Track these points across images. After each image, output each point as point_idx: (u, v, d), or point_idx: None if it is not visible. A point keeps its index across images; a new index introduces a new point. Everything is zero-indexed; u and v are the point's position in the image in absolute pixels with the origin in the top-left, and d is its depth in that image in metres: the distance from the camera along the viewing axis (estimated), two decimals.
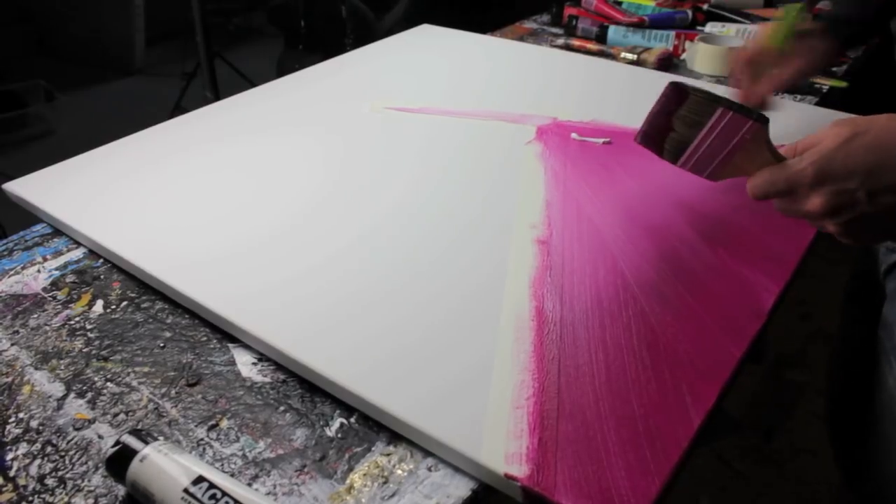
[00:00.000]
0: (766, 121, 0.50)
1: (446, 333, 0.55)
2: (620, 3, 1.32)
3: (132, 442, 0.44)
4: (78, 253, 0.68)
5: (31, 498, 0.45)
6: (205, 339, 0.57)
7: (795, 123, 0.86)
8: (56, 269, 0.66)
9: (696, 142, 0.53)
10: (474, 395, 0.49)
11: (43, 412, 0.51)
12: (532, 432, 0.46)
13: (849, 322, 0.86)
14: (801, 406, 1.51)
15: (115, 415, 0.51)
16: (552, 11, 1.36)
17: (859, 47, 0.86)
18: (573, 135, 0.83)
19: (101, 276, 0.65)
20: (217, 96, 2.22)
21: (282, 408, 0.51)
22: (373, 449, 0.48)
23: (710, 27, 1.22)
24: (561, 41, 1.22)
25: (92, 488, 0.45)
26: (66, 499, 0.44)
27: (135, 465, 0.43)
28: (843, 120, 0.51)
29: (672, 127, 0.54)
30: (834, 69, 1.10)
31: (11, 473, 0.46)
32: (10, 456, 0.48)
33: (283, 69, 2.63)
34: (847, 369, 0.85)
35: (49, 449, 0.48)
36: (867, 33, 0.84)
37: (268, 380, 0.53)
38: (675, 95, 0.53)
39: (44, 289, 0.63)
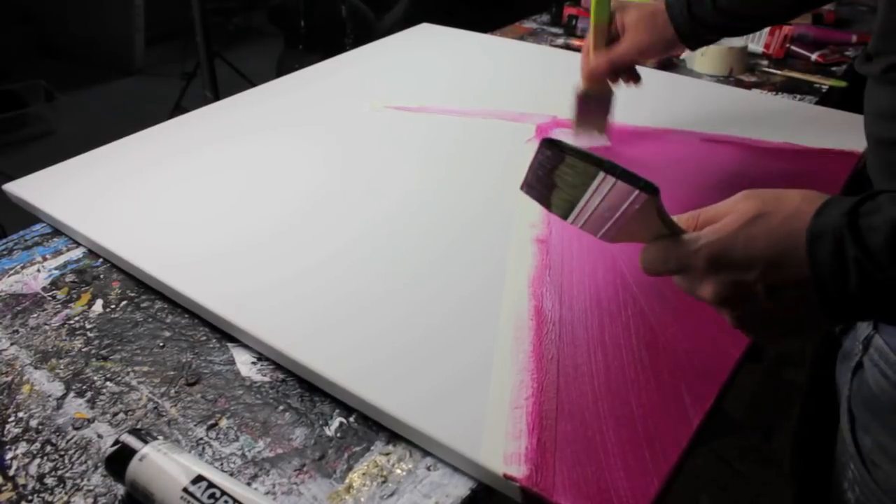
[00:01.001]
0: (653, 190, 0.43)
1: (445, 333, 0.55)
2: None
3: (131, 441, 0.44)
4: (77, 252, 0.68)
5: (30, 497, 0.45)
6: (204, 338, 0.57)
7: (795, 123, 0.86)
8: (56, 268, 0.66)
9: (582, 203, 0.46)
10: (473, 395, 0.49)
11: (42, 411, 0.51)
12: (531, 432, 0.46)
13: (814, 379, 0.78)
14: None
15: (115, 414, 0.51)
16: (552, 11, 1.36)
17: (710, 41, 0.78)
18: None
19: (101, 276, 0.65)
20: (217, 96, 2.22)
21: (281, 407, 0.51)
22: (372, 448, 0.48)
23: None
24: (561, 41, 1.22)
25: (91, 487, 0.45)
26: (65, 498, 0.44)
27: (134, 464, 0.43)
28: (753, 193, 0.44)
29: (555, 183, 0.48)
30: (833, 69, 1.10)
31: (11, 472, 0.46)
32: (9, 455, 0.48)
33: (283, 69, 2.62)
34: (810, 425, 0.79)
35: (48, 448, 0.48)
36: (712, 34, 0.75)
37: (267, 379, 0.53)
38: (552, 154, 0.46)
39: (43, 288, 0.63)
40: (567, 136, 0.81)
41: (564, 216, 0.49)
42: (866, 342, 0.56)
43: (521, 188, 0.50)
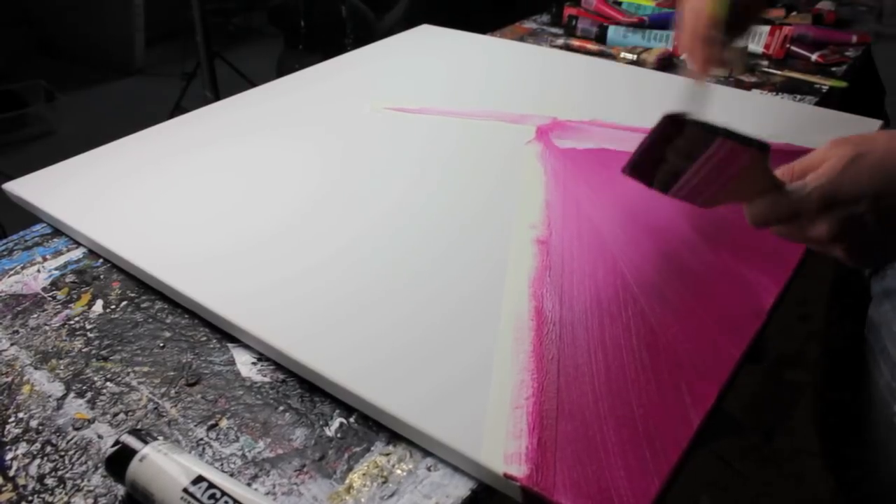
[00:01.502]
0: (767, 148, 0.47)
1: (446, 333, 0.55)
2: (620, 3, 1.32)
3: (132, 442, 0.44)
4: (77, 253, 0.68)
5: (30, 497, 0.45)
6: (204, 338, 0.57)
7: (795, 124, 0.86)
8: (56, 268, 0.66)
9: (690, 172, 0.51)
10: (474, 395, 0.49)
11: (42, 412, 0.51)
12: (531, 432, 0.46)
13: (835, 320, 0.85)
14: (801, 406, 1.51)
15: (115, 414, 0.51)
16: (552, 11, 1.36)
17: None
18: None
19: (101, 276, 0.65)
20: (217, 96, 2.22)
21: (281, 407, 0.51)
22: (372, 449, 0.48)
23: None
24: (561, 41, 1.22)
25: (91, 488, 0.45)
26: (65, 498, 0.44)
27: (134, 464, 0.43)
28: (842, 140, 0.49)
29: (664, 158, 0.51)
30: (833, 69, 1.10)
31: (11, 473, 0.46)
32: (9, 455, 0.48)
33: (283, 69, 2.63)
34: (835, 369, 0.84)
35: (49, 449, 0.48)
36: None
37: (267, 379, 0.53)
38: (671, 127, 0.49)
39: (43, 288, 0.63)
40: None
41: (665, 189, 0.53)
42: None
43: (624, 171, 0.54)
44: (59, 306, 0.61)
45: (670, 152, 0.50)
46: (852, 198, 0.46)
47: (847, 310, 0.77)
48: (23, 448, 0.48)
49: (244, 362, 0.55)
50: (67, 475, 0.46)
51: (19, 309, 0.61)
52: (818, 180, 0.47)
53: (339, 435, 0.49)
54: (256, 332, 0.54)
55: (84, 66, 3.38)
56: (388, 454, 0.47)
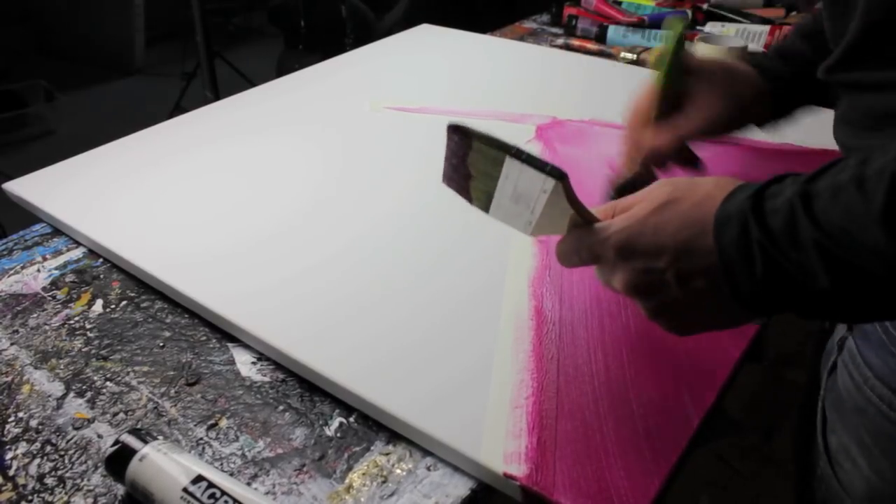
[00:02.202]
0: (560, 175, 0.40)
1: (445, 333, 0.55)
2: (620, 3, 1.32)
3: (131, 441, 0.44)
4: (77, 252, 0.68)
5: (30, 497, 0.45)
6: (204, 338, 0.57)
7: (795, 124, 0.86)
8: (56, 268, 0.66)
9: (497, 193, 0.44)
10: (473, 395, 0.49)
11: (42, 411, 0.51)
12: (531, 432, 0.46)
13: (812, 378, 0.73)
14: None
15: (115, 414, 0.51)
16: (552, 11, 1.36)
17: (797, 108, 0.65)
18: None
19: (101, 276, 0.65)
20: (217, 96, 2.22)
21: (281, 407, 0.51)
22: (372, 448, 0.48)
23: (710, 27, 1.22)
24: (561, 41, 1.22)
25: (91, 487, 0.45)
26: (65, 498, 0.44)
27: (134, 464, 0.43)
28: (665, 181, 0.43)
29: (469, 172, 0.45)
30: None
31: (11, 472, 0.46)
32: (9, 455, 0.48)
33: (283, 69, 2.63)
34: (808, 422, 0.78)
35: (48, 448, 0.48)
36: (809, 88, 0.62)
37: (267, 379, 0.53)
38: (459, 139, 0.43)
39: (43, 288, 0.63)
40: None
41: (486, 209, 0.46)
42: (840, 343, 0.55)
43: (442, 180, 0.47)
44: (58, 306, 0.61)
45: (471, 168, 0.44)
46: (651, 250, 0.40)
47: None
48: (23, 447, 0.48)
49: (244, 362, 0.55)
50: (67, 475, 0.46)
51: (19, 308, 0.61)
52: (621, 224, 0.41)
53: (338, 434, 0.49)
54: (256, 332, 0.54)
55: (84, 66, 3.38)
56: (387, 454, 0.47)
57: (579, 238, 0.43)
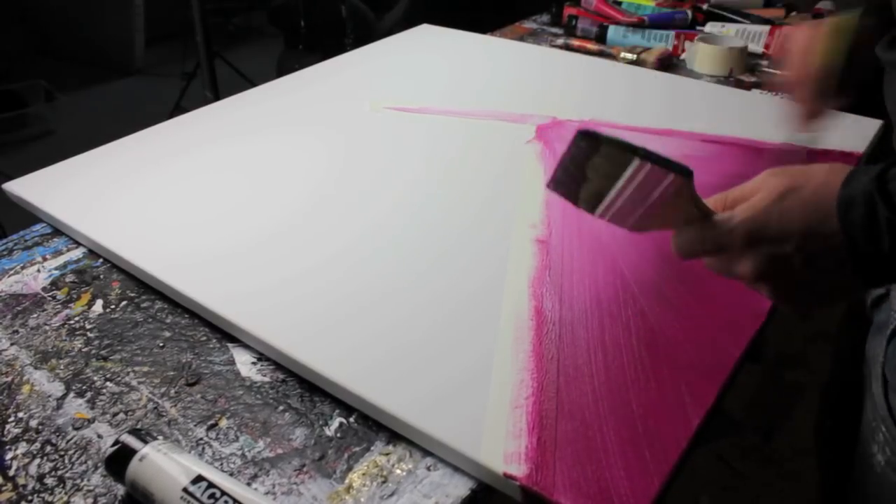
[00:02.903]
0: (689, 174, 0.43)
1: (445, 333, 0.55)
2: (620, 3, 1.32)
3: (131, 441, 0.44)
4: (77, 253, 0.68)
5: (30, 497, 0.45)
6: (204, 338, 0.57)
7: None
8: (56, 268, 0.66)
9: (613, 193, 0.46)
10: (473, 395, 0.49)
11: (42, 412, 0.51)
12: (531, 432, 0.46)
13: (836, 360, 0.81)
14: (801, 406, 1.51)
15: (115, 414, 0.51)
16: (552, 11, 1.36)
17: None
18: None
19: (101, 276, 0.65)
20: (217, 96, 2.22)
21: (281, 407, 0.51)
22: (372, 448, 0.48)
23: (710, 27, 1.22)
24: (561, 41, 1.22)
25: (91, 488, 0.45)
26: (65, 498, 0.44)
27: (134, 464, 0.43)
28: (779, 171, 0.45)
29: (586, 176, 0.47)
30: None
31: (11, 473, 0.46)
32: (9, 455, 0.48)
33: (283, 69, 2.63)
34: (834, 410, 0.80)
35: (48, 448, 0.48)
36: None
37: (267, 379, 0.53)
38: (588, 144, 0.45)
39: (43, 288, 0.63)
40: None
41: (592, 210, 0.49)
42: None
43: (548, 186, 0.49)
44: (59, 306, 0.61)
45: (590, 171, 0.46)
46: (778, 236, 0.43)
47: (850, 348, 0.73)
48: (23, 448, 0.48)
49: (244, 362, 0.55)
50: (67, 475, 0.46)
51: (19, 309, 0.61)
52: (744, 214, 0.44)
53: (338, 435, 0.49)
54: (256, 332, 0.54)
55: (84, 66, 3.38)
56: (387, 454, 0.47)
57: (702, 230, 0.45)
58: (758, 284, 0.45)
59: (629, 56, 1.13)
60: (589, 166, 0.46)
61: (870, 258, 0.41)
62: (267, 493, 0.45)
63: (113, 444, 0.44)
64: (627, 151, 0.44)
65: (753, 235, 0.43)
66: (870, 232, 0.40)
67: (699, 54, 1.11)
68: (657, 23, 1.22)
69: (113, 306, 0.61)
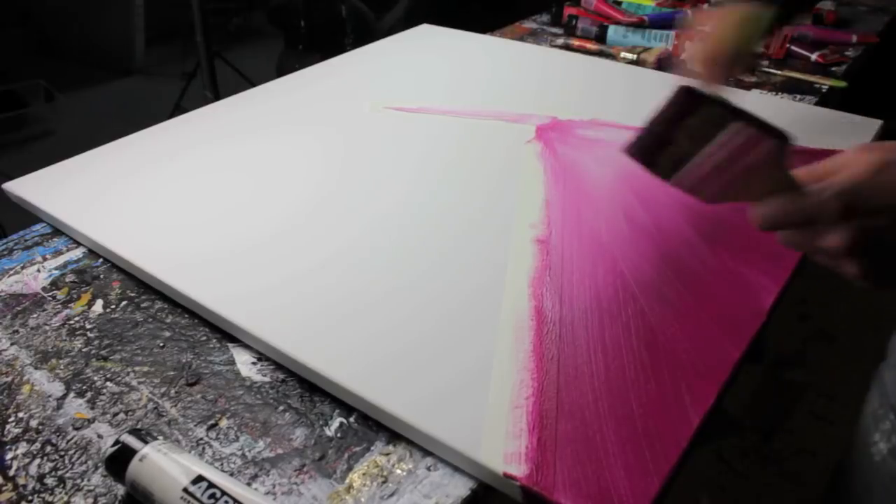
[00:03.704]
0: (787, 139, 0.41)
1: (445, 333, 0.55)
2: (620, 3, 1.32)
3: (132, 441, 0.44)
4: (77, 252, 0.68)
5: (30, 497, 0.45)
6: (204, 338, 0.57)
7: (795, 124, 0.86)
8: (56, 268, 0.66)
9: (698, 158, 0.44)
10: (473, 395, 0.49)
11: (42, 412, 0.51)
12: (531, 432, 0.46)
13: None
14: (801, 406, 1.51)
15: (115, 414, 0.51)
16: (552, 11, 1.36)
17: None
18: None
19: (101, 276, 0.65)
20: (217, 96, 2.22)
21: (281, 407, 0.51)
22: (372, 448, 0.48)
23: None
24: (561, 41, 1.22)
25: (91, 488, 0.45)
26: (65, 498, 0.44)
27: (134, 464, 0.43)
28: (871, 145, 0.44)
29: (673, 139, 0.45)
30: (833, 69, 1.10)
31: (11, 473, 0.46)
32: (9, 455, 0.48)
33: (283, 69, 2.63)
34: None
35: (49, 448, 0.48)
36: None
37: (267, 379, 0.53)
38: (687, 102, 0.43)
39: (43, 288, 0.63)
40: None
41: (668, 176, 0.46)
42: None
43: (626, 150, 0.47)
44: (59, 306, 0.61)
45: (681, 133, 0.44)
46: (876, 208, 0.41)
47: None
48: (23, 448, 0.48)
49: (244, 362, 0.55)
50: (67, 475, 0.46)
51: (19, 309, 0.61)
52: (841, 185, 0.42)
53: (339, 435, 0.49)
54: (256, 332, 0.55)
55: (84, 66, 3.38)
56: (387, 454, 0.47)
57: (791, 201, 0.43)
58: (845, 260, 0.44)
59: (629, 56, 1.13)
60: (681, 127, 0.44)
61: None
62: (267, 493, 0.45)
63: (113, 444, 0.44)
64: (728, 113, 0.42)
65: (849, 207, 0.42)
66: None
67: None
68: (657, 23, 1.22)
69: (113, 306, 0.61)
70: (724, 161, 0.43)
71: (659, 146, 0.46)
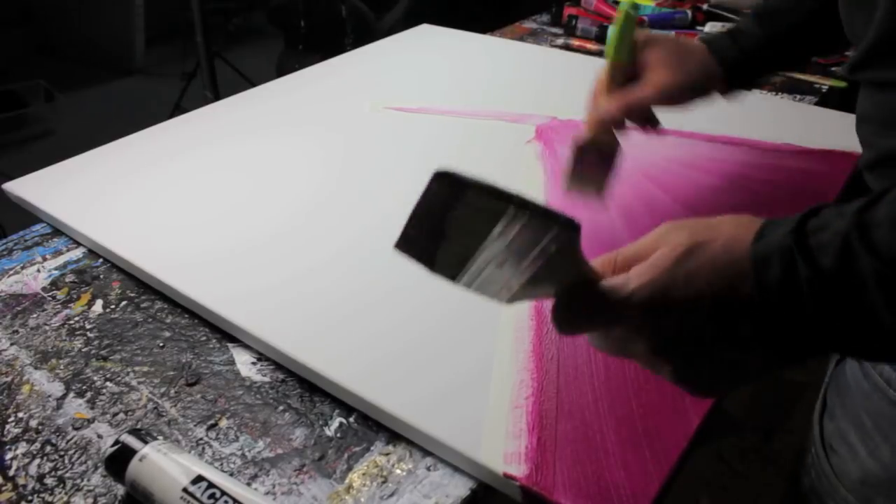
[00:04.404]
0: (575, 228, 0.34)
1: (445, 333, 0.55)
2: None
3: (131, 441, 0.44)
4: (77, 253, 0.68)
5: (30, 497, 0.45)
6: (204, 338, 0.57)
7: (795, 124, 0.86)
8: (55, 268, 0.66)
9: (481, 256, 0.36)
10: (473, 395, 0.49)
11: (42, 412, 0.51)
12: (531, 432, 0.46)
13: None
14: (801, 406, 1.51)
15: (115, 414, 0.51)
16: (552, 11, 1.36)
17: (753, 80, 0.69)
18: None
19: (101, 276, 0.65)
20: (217, 96, 2.22)
21: (281, 407, 0.51)
22: (372, 448, 0.48)
23: (710, 27, 1.22)
24: (560, 41, 1.22)
25: (91, 488, 0.45)
26: (65, 498, 0.44)
27: (134, 464, 0.43)
28: (678, 224, 0.38)
29: (444, 234, 0.36)
30: (833, 69, 1.10)
31: (11, 473, 0.46)
32: (9, 455, 0.48)
33: (283, 69, 2.62)
34: None
35: (48, 448, 0.48)
36: (767, 64, 0.68)
37: (267, 379, 0.53)
38: (446, 192, 0.34)
39: (43, 288, 0.63)
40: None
41: (453, 276, 0.38)
42: None
43: (396, 246, 0.37)
44: (58, 306, 0.61)
45: (450, 226, 0.35)
46: (686, 302, 0.35)
47: None
48: (22, 448, 0.48)
49: (244, 362, 0.55)
50: (67, 475, 0.46)
51: (19, 309, 0.61)
52: (643, 277, 0.36)
53: (338, 435, 0.49)
54: (256, 332, 0.54)
55: (84, 66, 3.38)
56: (387, 454, 0.47)
57: (589, 299, 0.37)
58: (657, 363, 0.37)
59: None
60: (449, 217, 0.35)
61: (792, 325, 0.34)
62: (267, 493, 0.45)
63: (113, 444, 0.44)
64: (500, 199, 0.33)
65: (655, 303, 0.35)
66: (790, 295, 0.33)
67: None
68: (657, 23, 1.22)
69: (113, 306, 0.61)
70: (508, 259, 0.36)
71: (432, 242, 0.37)
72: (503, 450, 0.45)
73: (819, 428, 0.60)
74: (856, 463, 0.55)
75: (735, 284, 0.34)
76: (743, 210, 0.38)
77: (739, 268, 0.35)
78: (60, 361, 0.55)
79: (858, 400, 0.55)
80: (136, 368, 0.54)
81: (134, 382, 0.53)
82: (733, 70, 0.65)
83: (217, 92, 2.28)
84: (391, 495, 0.44)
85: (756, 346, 0.35)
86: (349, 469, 0.46)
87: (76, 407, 0.51)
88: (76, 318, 0.60)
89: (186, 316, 0.60)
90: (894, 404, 0.51)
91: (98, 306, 0.61)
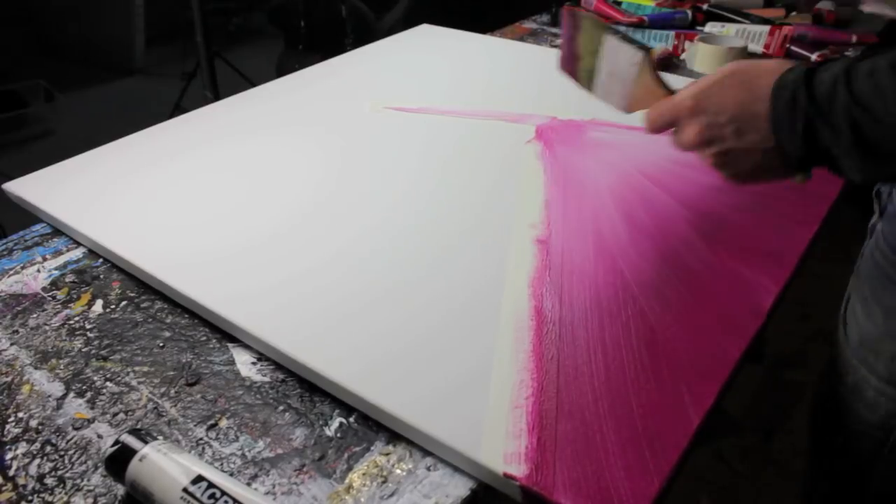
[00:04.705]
0: (647, 49, 0.51)
1: (445, 333, 0.55)
2: (620, 3, 1.32)
3: (131, 441, 0.44)
4: (77, 253, 0.68)
5: (30, 497, 0.45)
6: (204, 338, 0.57)
7: None
8: (56, 268, 0.66)
9: (598, 70, 0.54)
10: (473, 395, 0.49)
11: (42, 412, 0.51)
12: (531, 432, 0.46)
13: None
14: (801, 406, 1.51)
15: (115, 414, 0.51)
16: (552, 11, 1.36)
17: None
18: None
19: (101, 276, 0.65)
20: (217, 96, 2.22)
21: (281, 407, 0.51)
22: (372, 448, 0.48)
23: (710, 27, 1.22)
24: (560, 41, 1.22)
25: (91, 488, 0.45)
26: (65, 498, 0.44)
27: (134, 464, 0.43)
28: (737, 61, 0.53)
29: (578, 54, 0.55)
30: None
31: (11, 473, 0.46)
32: (9, 455, 0.48)
33: (283, 69, 2.63)
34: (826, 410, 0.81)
35: (48, 448, 0.48)
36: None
37: (267, 379, 0.53)
38: (570, 21, 0.53)
39: (43, 288, 0.63)
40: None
41: (588, 87, 0.56)
42: (871, 228, 0.68)
43: (559, 66, 0.57)
44: (58, 306, 0.61)
45: (580, 48, 0.54)
46: (716, 108, 0.50)
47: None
48: (23, 448, 0.48)
49: (244, 362, 0.55)
50: (67, 475, 0.46)
51: (19, 309, 0.61)
52: (693, 89, 0.52)
53: (338, 435, 0.49)
54: (256, 332, 0.54)
55: (84, 66, 3.38)
56: (387, 454, 0.47)
57: (663, 104, 0.54)
58: (700, 151, 0.53)
59: None
60: (577, 44, 0.54)
61: (788, 136, 0.47)
62: (267, 493, 0.45)
63: (113, 444, 0.44)
64: (598, 29, 0.51)
65: (696, 105, 0.52)
66: (790, 114, 0.46)
67: (699, 54, 1.11)
68: (657, 23, 1.22)
69: (113, 306, 0.61)
70: (615, 72, 0.53)
71: (573, 60, 0.56)
72: (503, 450, 0.45)
73: (844, 308, 0.71)
74: (856, 327, 0.68)
75: (753, 103, 0.49)
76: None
77: (760, 92, 0.49)
78: (60, 361, 0.55)
79: (866, 282, 0.66)
80: (136, 368, 0.54)
81: (134, 382, 0.53)
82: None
83: (217, 92, 2.28)
84: (391, 495, 0.44)
85: (764, 151, 0.50)
86: (349, 469, 0.46)
87: (76, 407, 0.51)
88: (76, 318, 0.60)
89: (186, 316, 0.60)
90: (885, 272, 0.63)
91: (98, 306, 0.61)
